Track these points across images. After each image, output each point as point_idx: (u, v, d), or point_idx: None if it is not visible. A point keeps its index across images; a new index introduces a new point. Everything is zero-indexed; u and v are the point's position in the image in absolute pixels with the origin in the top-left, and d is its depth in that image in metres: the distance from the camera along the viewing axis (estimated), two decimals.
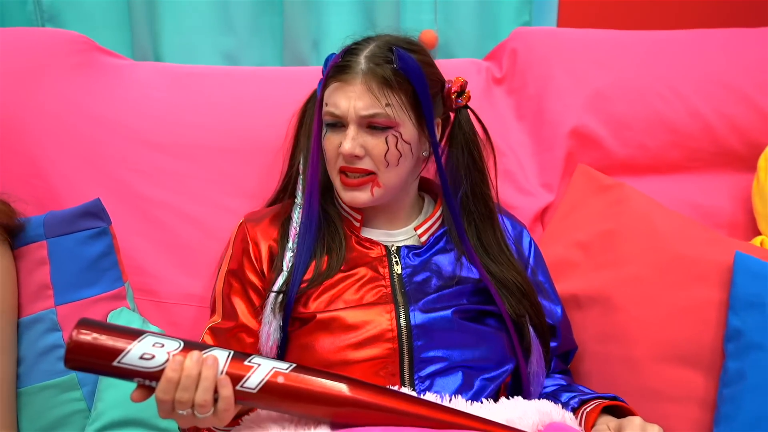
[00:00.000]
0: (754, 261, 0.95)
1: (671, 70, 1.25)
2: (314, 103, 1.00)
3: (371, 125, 0.91)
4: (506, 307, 0.93)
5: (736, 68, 1.25)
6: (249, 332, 0.94)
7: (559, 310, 1.02)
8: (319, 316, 0.91)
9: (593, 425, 0.88)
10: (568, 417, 0.88)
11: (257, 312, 0.94)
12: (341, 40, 0.97)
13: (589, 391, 0.96)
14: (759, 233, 1.17)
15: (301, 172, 0.99)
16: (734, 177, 1.24)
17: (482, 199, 0.99)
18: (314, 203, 0.95)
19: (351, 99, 0.91)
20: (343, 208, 1.00)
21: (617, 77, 1.25)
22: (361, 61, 0.92)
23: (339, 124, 0.93)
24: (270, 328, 0.92)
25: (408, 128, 0.93)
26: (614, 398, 0.93)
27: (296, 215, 0.97)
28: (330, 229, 0.97)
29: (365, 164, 0.92)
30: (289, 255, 0.94)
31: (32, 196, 1.06)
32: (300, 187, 0.99)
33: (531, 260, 1.03)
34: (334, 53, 0.96)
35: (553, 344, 1.00)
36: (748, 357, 0.90)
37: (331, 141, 0.94)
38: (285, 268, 0.93)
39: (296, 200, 0.99)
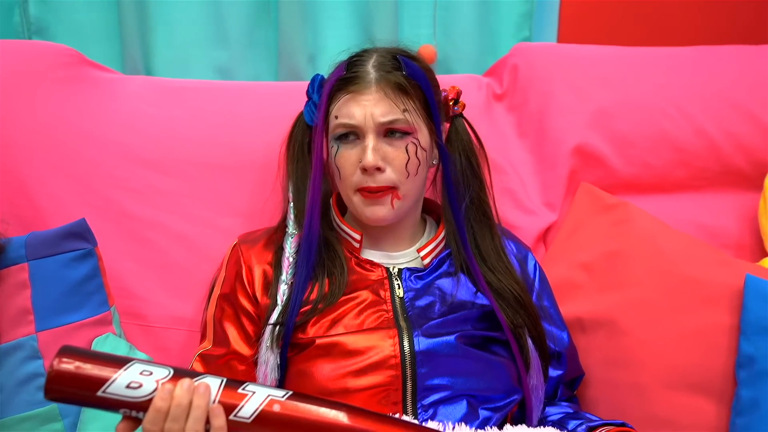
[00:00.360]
0: (765, 284, 0.92)
1: (676, 87, 1.23)
2: (300, 128, 0.97)
3: (389, 133, 0.89)
4: (504, 318, 0.90)
5: (742, 86, 1.23)
6: (241, 359, 0.90)
7: (565, 336, 0.99)
8: (318, 341, 0.87)
9: None
10: None
11: (249, 339, 0.90)
12: (338, 55, 0.95)
13: (596, 419, 0.93)
14: (766, 254, 1.14)
15: (291, 200, 0.96)
16: (740, 196, 1.21)
17: (480, 206, 0.97)
18: (315, 226, 0.91)
19: (367, 107, 0.88)
20: (342, 229, 0.96)
21: (621, 94, 1.22)
22: (371, 71, 0.90)
23: (353, 136, 0.90)
24: (267, 367, 0.88)
25: (424, 135, 0.91)
26: (623, 425, 0.89)
27: (288, 246, 0.93)
28: (330, 252, 0.93)
29: (386, 179, 0.89)
30: (283, 287, 0.90)
31: (15, 215, 1.02)
32: (291, 216, 0.95)
33: (536, 284, 1.00)
34: (320, 74, 0.95)
35: (559, 372, 0.97)
36: (762, 385, 0.87)
37: (345, 156, 0.90)
38: (279, 301, 0.89)
39: (287, 230, 0.95)
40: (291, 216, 0.95)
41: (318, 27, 1.34)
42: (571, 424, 0.92)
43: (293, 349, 0.88)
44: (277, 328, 0.87)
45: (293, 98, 1.03)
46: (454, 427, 0.82)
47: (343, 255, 0.93)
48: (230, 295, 0.93)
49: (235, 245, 0.96)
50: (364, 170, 0.88)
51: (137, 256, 1.06)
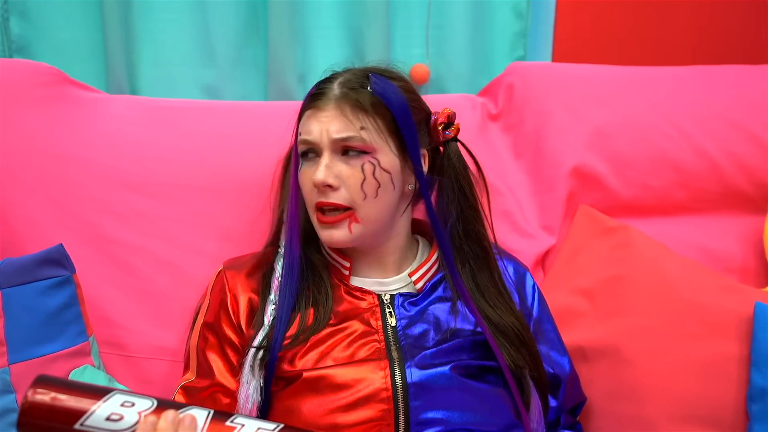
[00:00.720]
0: None
1: (674, 107, 1.21)
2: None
3: (346, 151, 0.85)
4: (504, 357, 0.86)
5: (742, 106, 1.21)
6: (226, 392, 0.85)
7: (566, 363, 0.95)
8: (305, 374, 0.82)
9: None
10: None
11: (235, 370, 0.86)
12: (328, 74, 0.91)
13: None
14: None
15: (285, 220, 0.92)
16: (743, 219, 1.18)
17: (476, 238, 0.92)
18: (294, 250, 0.88)
19: (323, 123, 0.85)
20: (331, 256, 0.92)
21: (619, 114, 1.20)
22: (335, 87, 0.87)
23: (313, 153, 0.87)
24: (249, 388, 0.83)
25: (387, 156, 0.86)
26: None
27: (279, 266, 0.89)
28: (315, 279, 0.89)
29: (340, 197, 0.85)
30: (271, 308, 0.86)
31: None
32: (284, 236, 0.91)
33: (535, 307, 0.96)
34: None
35: (558, 402, 0.93)
36: None
37: (305, 174, 0.88)
38: (266, 322, 0.85)
39: (279, 250, 0.91)
40: (283, 236, 0.91)
41: (308, 46, 1.32)
42: None
43: (279, 382, 0.84)
44: (261, 352, 0.83)
45: (282, 118, 0.99)
46: None
47: (330, 282, 0.90)
48: (214, 325, 0.88)
49: (220, 272, 0.92)
50: (317, 187, 0.85)
51: (118, 283, 1.02)
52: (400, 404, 0.81)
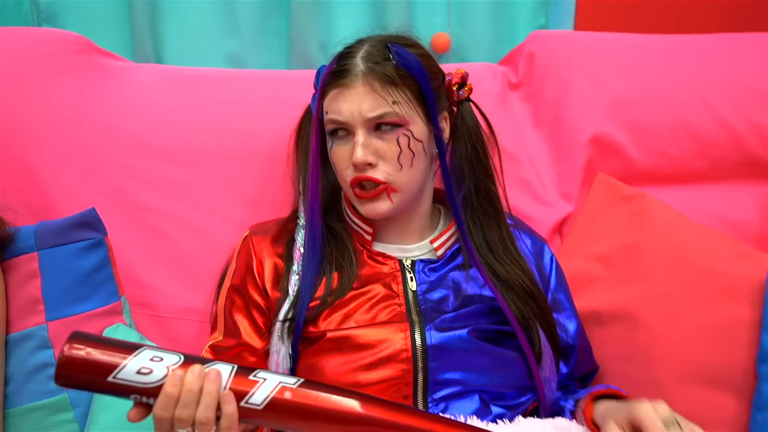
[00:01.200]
0: None
1: (696, 75, 1.20)
2: (308, 120, 0.95)
3: (380, 127, 0.86)
4: (512, 309, 0.88)
5: (765, 74, 1.19)
6: (252, 351, 0.89)
7: (575, 328, 0.97)
8: (329, 335, 0.85)
9: (592, 415, 0.83)
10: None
11: (260, 331, 0.89)
12: (342, 43, 0.92)
13: (583, 390, 0.92)
14: None
15: (301, 192, 0.94)
16: (763, 188, 1.18)
17: (487, 195, 0.94)
18: (316, 222, 0.90)
19: (354, 102, 0.86)
20: (354, 222, 0.95)
21: (639, 83, 1.19)
22: (359, 63, 0.87)
23: (344, 131, 0.88)
24: (279, 356, 0.87)
25: (418, 125, 0.88)
26: (608, 387, 0.88)
27: (300, 237, 0.92)
28: (338, 245, 0.92)
29: (379, 172, 0.87)
30: (294, 278, 0.89)
31: (24, 204, 1.01)
32: (302, 207, 0.94)
33: (553, 278, 0.98)
34: (324, 66, 0.92)
35: (569, 367, 0.95)
36: None
37: (338, 153, 0.88)
38: (291, 292, 0.88)
39: (299, 221, 0.93)
40: (302, 208, 0.94)
41: (330, 15, 1.32)
42: (567, 404, 0.91)
43: (304, 342, 0.87)
44: (287, 323, 0.86)
45: (305, 86, 1.01)
46: (465, 419, 0.81)
47: (353, 248, 0.92)
48: (240, 287, 0.92)
49: (246, 236, 0.95)
50: (355, 166, 0.86)
51: (148, 247, 1.05)
52: (419, 364, 0.84)
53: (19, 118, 1.06)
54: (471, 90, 0.95)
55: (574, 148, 1.18)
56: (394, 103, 0.86)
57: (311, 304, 0.87)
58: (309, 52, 1.32)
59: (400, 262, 0.92)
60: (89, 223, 0.95)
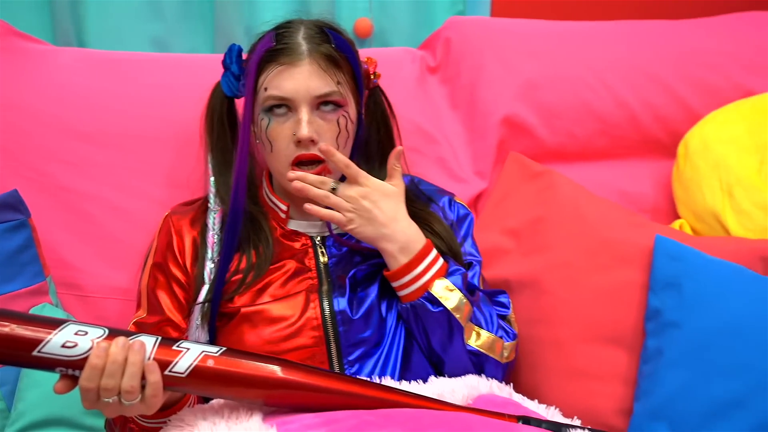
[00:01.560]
0: (672, 243, 0.99)
1: (600, 60, 1.29)
2: (218, 99, 0.97)
3: (320, 106, 0.90)
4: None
5: (661, 59, 1.29)
6: (175, 327, 0.92)
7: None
8: (243, 310, 0.90)
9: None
10: (495, 386, 0.90)
11: (182, 307, 0.93)
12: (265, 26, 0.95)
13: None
14: (678, 217, 1.22)
15: (212, 174, 0.96)
16: (657, 164, 1.28)
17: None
18: (240, 202, 0.92)
19: (300, 80, 0.89)
20: (271, 201, 0.98)
21: (548, 67, 1.27)
22: (302, 42, 0.90)
23: (284, 108, 0.90)
24: (197, 338, 0.90)
25: (352, 108, 0.93)
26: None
27: (211, 222, 0.94)
28: (254, 227, 0.95)
29: (318, 150, 0.90)
30: (209, 265, 0.92)
31: None
32: (212, 191, 0.96)
33: (449, 216, 1.02)
34: (237, 45, 0.95)
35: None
36: (664, 335, 0.94)
37: (277, 130, 0.91)
38: (207, 279, 0.91)
39: (209, 206, 0.96)
40: (212, 191, 0.96)
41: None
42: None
43: (221, 319, 0.91)
44: (206, 305, 0.89)
45: None
46: (380, 380, 0.86)
47: (268, 228, 0.95)
48: (162, 265, 0.95)
49: (166, 216, 0.98)
50: (299, 142, 0.89)
51: (72, 228, 1.07)
52: (330, 331, 0.90)
53: None
54: (380, 77, 1.00)
55: (488, 129, 1.25)
56: (338, 83, 0.90)
57: (230, 285, 0.90)
58: (234, 36, 1.34)
59: (311, 238, 0.96)
60: (11, 205, 0.97)
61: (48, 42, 1.24)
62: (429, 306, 0.88)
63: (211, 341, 0.91)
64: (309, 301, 0.91)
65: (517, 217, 1.16)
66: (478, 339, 0.92)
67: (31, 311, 0.96)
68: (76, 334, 0.72)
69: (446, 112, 1.27)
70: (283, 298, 0.91)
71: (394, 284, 0.90)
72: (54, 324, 0.72)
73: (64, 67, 1.14)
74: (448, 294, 0.89)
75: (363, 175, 0.88)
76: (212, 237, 0.93)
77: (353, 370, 0.90)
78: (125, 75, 1.16)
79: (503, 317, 0.98)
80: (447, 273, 0.90)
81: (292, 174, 0.88)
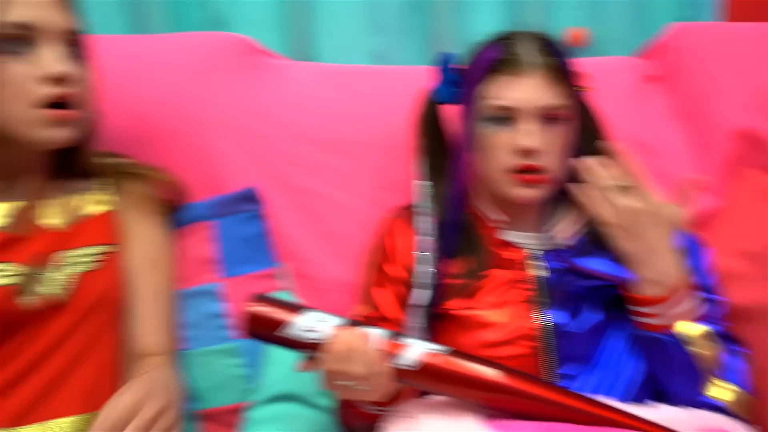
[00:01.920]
0: None
1: None
2: (432, 106, 1.00)
3: (548, 118, 0.90)
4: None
5: None
6: (391, 324, 0.95)
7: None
8: (454, 312, 0.92)
9: None
10: (727, 421, 0.83)
11: (398, 306, 0.97)
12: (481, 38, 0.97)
13: None
14: None
15: (424, 179, 0.99)
16: None
17: None
18: (460, 209, 0.94)
19: (528, 91, 0.89)
20: (481, 209, 0.99)
21: None
22: (531, 54, 0.91)
23: (507, 118, 0.91)
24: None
25: (575, 122, 0.92)
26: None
27: (427, 226, 0.96)
28: (468, 234, 0.96)
29: (542, 161, 0.90)
30: (425, 269, 0.94)
31: (205, 182, 1.13)
32: (427, 195, 0.98)
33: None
34: (449, 53, 0.96)
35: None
36: None
37: (499, 138, 0.92)
38: (423, 282, 0.94)
39: (424, 210, 0.98)
40: (426, 195, 0.98)
41: (469, 12, 1.37)
42: None
43: (431, 319, 0.94)
44: (422, 307, 0.93)
45: None
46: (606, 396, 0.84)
47: (481, 236, 0.96)
48: (382, 265, 1.00)
49: (388, 218, 1.03)
50: (523, 152, 0.89)
51: (305, 225, 1.15)
52: (545, 342, 0.89)
53: (200, 112, 1.18)
54: (593, 90, 0.98)
55: (717, 142, 1.16)
56: (567, 97, 0.90)
57: (444, 289, 0.93)
58: (448, 49, 1.38)
59: (528, 250, 0.95)
60: (250, 198, 1.11)
61: (287, 57, 1.36)
62: (672, 343, 0.85)
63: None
64: (526, 311, 0.90)
65: (755, 238, 1.06)
66: (723, 393, 0.86)
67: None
68: (318, 320, 0.79)
69: (668, 123, 1.20)
70: (498, 306, 0.91)
71: (635, 308, 0.87)
72: (301, 309, 0.80)
73: (299, 80, 1.25)
74: (702, 343, 0.84)
75: (644, 189, 0.83)
76: (428, 241, 0.96)
77: (563, 384, 0.88)
78: (352, 86, 1.24)
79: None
80: (699, 317, 0.86)
81: (583, 162, 0.83)
